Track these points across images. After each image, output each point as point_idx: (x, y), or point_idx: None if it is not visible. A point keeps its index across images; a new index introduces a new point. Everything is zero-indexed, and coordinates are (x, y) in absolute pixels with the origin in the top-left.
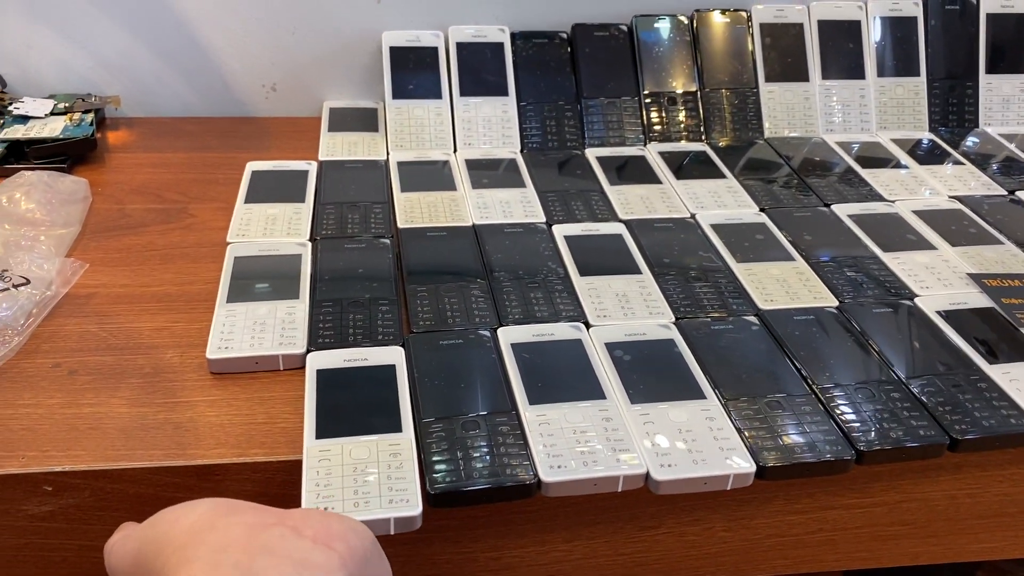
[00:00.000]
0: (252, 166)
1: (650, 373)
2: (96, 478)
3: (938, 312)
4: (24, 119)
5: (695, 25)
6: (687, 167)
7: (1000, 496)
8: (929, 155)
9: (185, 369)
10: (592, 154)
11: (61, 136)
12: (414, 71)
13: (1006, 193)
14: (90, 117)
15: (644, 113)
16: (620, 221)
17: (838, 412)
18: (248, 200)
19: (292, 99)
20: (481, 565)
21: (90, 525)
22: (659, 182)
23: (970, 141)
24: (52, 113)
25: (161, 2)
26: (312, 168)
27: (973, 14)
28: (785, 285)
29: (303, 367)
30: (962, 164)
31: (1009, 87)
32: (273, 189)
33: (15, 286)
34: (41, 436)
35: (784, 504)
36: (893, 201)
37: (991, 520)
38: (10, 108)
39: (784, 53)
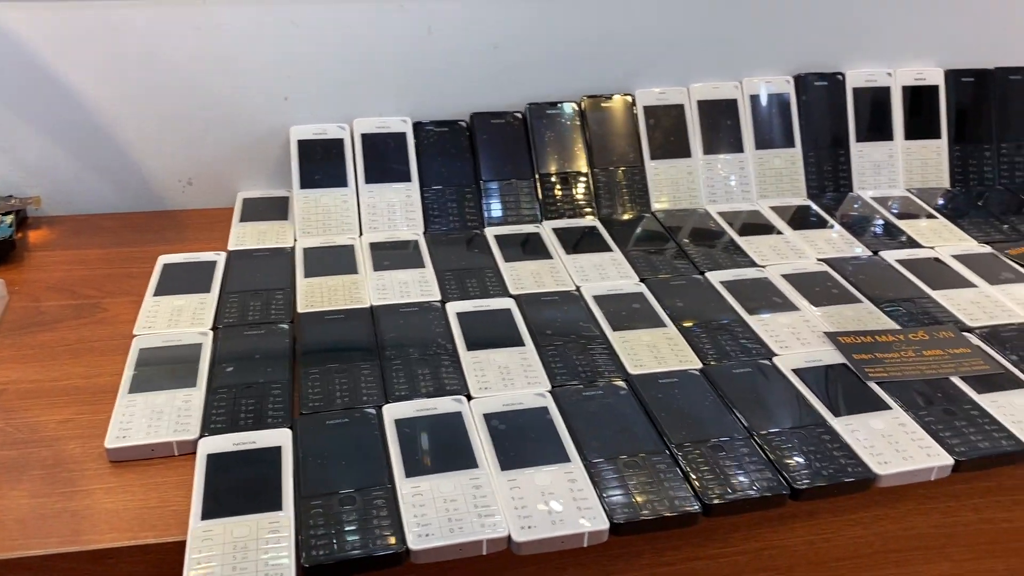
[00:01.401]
0: (164, 259)
1: (522, 440)
2: None
3: (793, 370)
4: None
5: (584, 109)
6: (578, 242)
7: (854, 539)
8: (805, 220)
9: (86, 459)
10: (491, 233)
11: None
12: (321, 161)
13: (870, 253)
14: (10, 219)
15: (539, 193)
16: (510, 296)
17: (689, 469)
18: (157, 293)
19: (207, 191)
20: None
21: None
22: (550, 257)
23: (845, 205)
24: None
25: (79, 106)
26: (221, 258)
27: (840, 88)
28: (655, 350)
29: (196, 452)
30: (834, 227)
31: (879, 153)
32: (182, 280)
33: None
34: None
35: (652, 557)
36: (764, 266)
37: (849, 562)
38: None
39: (667, 132)
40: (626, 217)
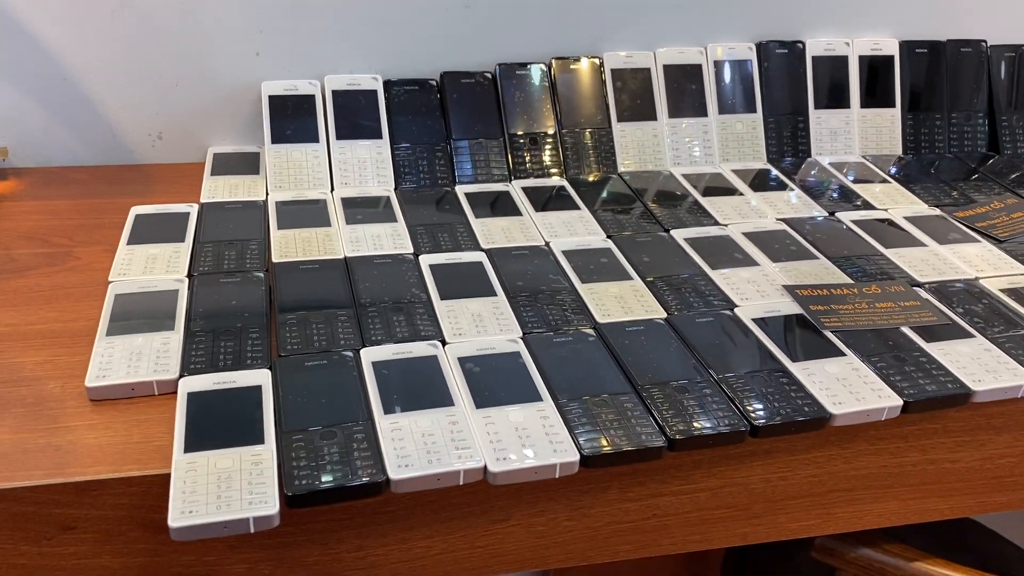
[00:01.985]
0: (136, 210)
1: (496, 382)
2: None
3: (753, 320)
4: None
5: (553, 71)
6: (547, 200)
7: (808, 477)
8: (765, 183)
9: (66, 397)
10: (461, 191)
11: None
12: (292, 117)
13: (827, 214)
14: None
15: (509, 152)
16: (481, 250)
17: (656, 408)
18: (131, 242)
19: (178, 146)
20: (347, 565)
21: None
22: (520, 214)
23: (803, 170)
24: None
25: (47, 57)
26: (193, 210)
27: (800, 57)
28: (622, 301)
29: (177, 392)
30: (793, 190)
31: (836, 120)
32: (155, 231)
33: None
34: None
35: (618, 493)
36: (726, 225)
37: (804, 500)
38: None
39: (634, 95)
40: (593, 178)
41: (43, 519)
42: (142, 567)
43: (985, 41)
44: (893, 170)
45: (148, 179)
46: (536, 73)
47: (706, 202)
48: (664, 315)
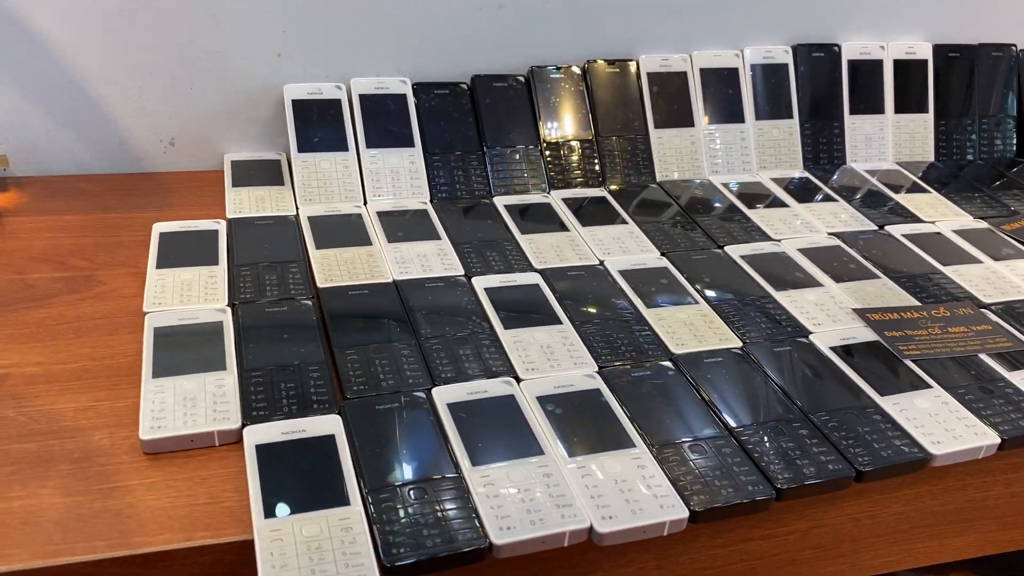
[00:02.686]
0: (159, 227)
1: (582, 425)
2: None
3: (831, 348)
4: None
5: (588, 74)
6: (589, 213)
7: (896, 515)
8: (805, 192)
9: (117, 451)
10: (500, 202)
11: None
12: (318, 124)
13: (876, 227)
14: None
15: (545, 160)
16: (535, 271)
17: (755, 452)
18: (160, 265)
19: (191, 153)
20: None
21: None
22: (566, 229)
23: (839, 177)
24: None
25: (50, 56)
26: (221, 227)
27: (836, 60)
28: (693, 329)
29: (239, 441)
30: (835, 200)
31: (870, 126)
32: (184, 251)
33: None
34: None
35: (709, 540)
36: (779, 240)
37: (888, 537)
38: None
39: (671, 100)
40: (633, 187)
41: None
42: None
43: (1015, 45)
44: (929, 176)
45: (162, 189)
46: (570, 77)
47: (754, 215)
48: (739, 344)
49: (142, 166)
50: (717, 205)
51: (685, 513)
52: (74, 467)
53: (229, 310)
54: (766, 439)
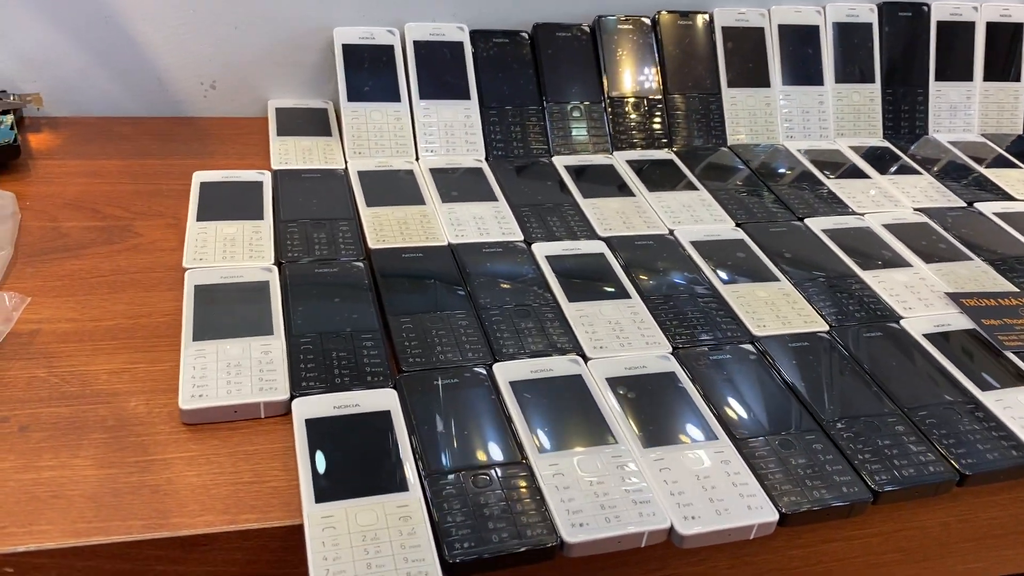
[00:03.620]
0: (200, 176)
1: (657, 412)
2: (66, 556)
3: (925, 335)
4: None
5: (659, 26)
6: (656, 176)
7: (988, 520)
8: (887, 163)
9: (154, 420)
10: (560, 162)
11: None
12: (369, 71)
13: (965, 205)
14: (9, 119)
15: (609, 118)
16: (599, 238)
17: (849, 450)
18: (201, 217)
19: (233, 98)
20: None
21: None
22: (632, 194)
23: (920, 148)
24: None
25: None
26: (266, 179)
27: (924, 21)
28: (774, 308)
29: (287, 414)
30: (918, 173)
31: (956, 95)
32: (227, 204)
33: None
34: None
35: (787, 540)
36: (863, 214)
37: (977, 542)
38: None
39: (746, 58)
40: (701, 150)
41: None
42: None
43: None
44: (1015, 151)
45: (202, 135)
46: (639, 28)
47: (834, 185)
48: (825, 328)
49: (181, 110)
50: (791, 172)
51: (775, 516)
52: (108, 436)
53: (275, 269)
54: (860, 435)
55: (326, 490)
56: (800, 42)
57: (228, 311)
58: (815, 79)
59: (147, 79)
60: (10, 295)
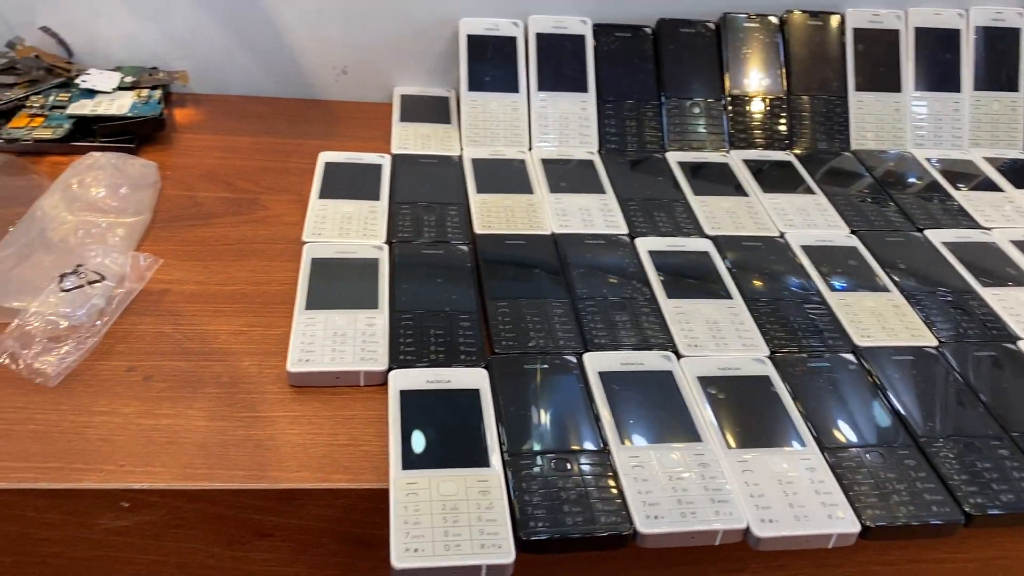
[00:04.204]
0: (325, 157)
1: (746, 414)
2: (174, 497)
3: None
4: (91, 93)
5: (786, 25)
6: (772, 178)
7: None
8: (1022, 176)
9: (264, 380)
10: (673, 158)
11: (130, 114)
12: (491, 62)
13: None
14: (158, 94)
15: (728, 117)
16: (706, 237)
17: (944, 469)
18: (323, 195)
19: (362, 83)
20: None
21: (163, 542)
22: (745, 194)
23: None
24: (119, 88)
25: None
26: (386, 162)
27: None
28: (881, 319)
29: (384, 384)
30: None
31: None
32: (347, 183)
33: (89, 283)
34: (118, 449)
35: (874, 555)
36: (990, 229)
37: None
38: (77, 81)
39: (877, 61)
40: (823, 154)
41: (240, 523)
42: None
43: None
44: None
45: (331, 118)
46: (766, 27)
47: (962, 198)
48: (934, 342)
49: (313, 92)
50: (918, 182)
51: (856, 527)
52: (221, 391)
53: (386, 248)
54: (958, 455)
55: (413, 458)
56: (938, 46)
57: (339, 284)
58: (951, 85)
59: (284, 62)
60: (144, 256)
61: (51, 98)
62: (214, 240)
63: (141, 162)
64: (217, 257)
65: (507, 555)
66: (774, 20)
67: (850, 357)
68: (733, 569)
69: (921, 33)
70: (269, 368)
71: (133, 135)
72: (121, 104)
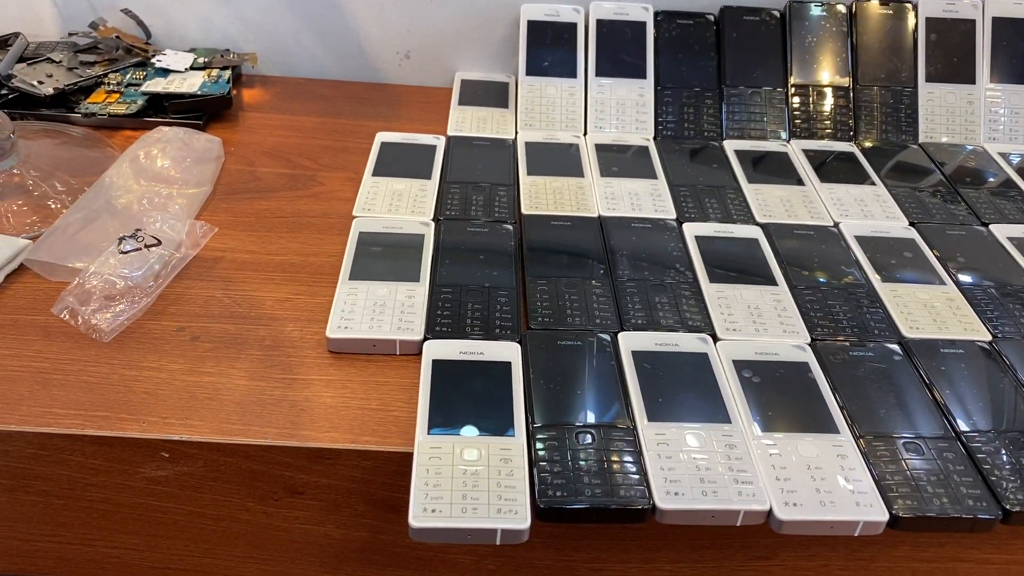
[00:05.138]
0: (381, 137)
1: (780, 399)
2: (211, 450)
3: None
4: (165, 72)
5: (855, 13)
6: (832, 168)
7: None
8: None
9: (304, 345)
10: (730, 147)
11: (199, 92)
12: (550, 47)
13: None
14: (227, 74)
15: (790, 106)
16: (756, 224)
17: (985, 463)
18: (376, 173)
19: (424, 68)
20: (580, 575)
21: (201, 493)
22: (801, 183)
23: None
24: (192, 68)
25: None
26: (440, 143)
27: None
28: (933, 312)
29: (419, 354)
30: None
31: None
32: (401, 163)
33: (147, 246)
34: (162, 402)
35: (910, 551)
36: None
37: None
38: (153, 60)
39: (950, 51)
40: (888, 146)
41: (272, 479)
42: (365, 542)
43: None
44: None
45: (393, 101)
46: (833, 15)
47: None
48: (987, 337)
49: (377, 76)
50: (990, 178)
51: (884, 516)
52: (263, 353)
53: (432, 224)
54: (1002, 451)
55: (439, 423)
56: (1017, 36)
57: (384, 257)
58: None
59: (350, 46)
60: (200, 224)
61: (128, 76)
62: (269, 213)
63: (206, 137)
64: (271, 229)
65: (523, 521)
66: (842, 8)
67: (895, 348)
68: (762, 556)
69: (999, 23)
70: (311, 334)
71: (202, 112)
72: (192, 83)
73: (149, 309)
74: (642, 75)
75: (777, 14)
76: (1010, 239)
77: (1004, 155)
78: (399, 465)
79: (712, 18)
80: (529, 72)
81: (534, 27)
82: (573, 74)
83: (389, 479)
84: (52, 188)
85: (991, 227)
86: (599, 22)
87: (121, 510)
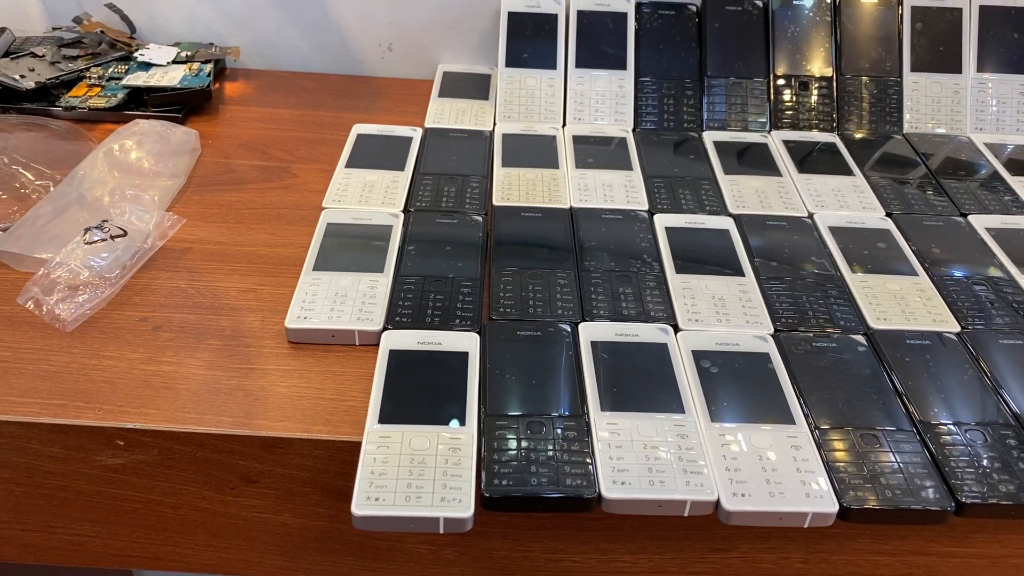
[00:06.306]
0: (358, 128)
1: (738, 390)
2: (164, 438)
3: None
4: (147, 66)
5: (838, 3)
6: (812, 159)
7: None
8: None
9: (264, 335)
10: (709, 138)
11: (179, 86)
12: (531, 38)
13: None
14: (208, 68)
15: (772, 96)
16: (729, 215)
17: (941, 455)
18: (349, 164)
19: (407, 60)
20: (539, 565)
21: (158, 481)
22: (778, 174)
23: None
24: (174, 61)
25: None
26: (416, 135)
27: None
28: (903, 303)
29: (378, 344)
30: None
31: None
32: (375, 154)
33: (112, 237)
34: (119, 390)
35: (870, 543)
36: None
37: None
38: (136, 55)
39: (936, 40)
40: (872, 137)
41: (227, 468)
42: (322, 531)
43: None
44: None
45: (374, 94)
46: (817, 4)
47: (1016, 183)
48: (957, 328)
49: (360, 69)
50: (973, 167)
51: (834, 508)
52: (222, 343)
53: (402, 216)
54: (960, 444)
55: (390, 413)
56: (1006, 25)
57: (350, 248)
58: (1018, 67)
59: (333, 40)
60: (169, 215)
61: (110, 70)
62: (240, 204)
63: (183, 130)
64: (241, 220)
65: (466, 509)
66: None
67: (860, 339)
68: (721, 548)
69: (987, 11)
70: (272, 325)
71: (182, 105)
72: (172, 76)
73: (113, 299)
74: (622, 66)
75: (760, 4)
76: (988, 230)
77: (990, 145)
78: (351, 454)
79: (695, 8)
80: (509, 64)
81: (515, 18)
82: (553, 66)
83: (341, 468)
84: (30, 180)
85: (970, 217)
86: (580, 13)
87: (80, 498)
